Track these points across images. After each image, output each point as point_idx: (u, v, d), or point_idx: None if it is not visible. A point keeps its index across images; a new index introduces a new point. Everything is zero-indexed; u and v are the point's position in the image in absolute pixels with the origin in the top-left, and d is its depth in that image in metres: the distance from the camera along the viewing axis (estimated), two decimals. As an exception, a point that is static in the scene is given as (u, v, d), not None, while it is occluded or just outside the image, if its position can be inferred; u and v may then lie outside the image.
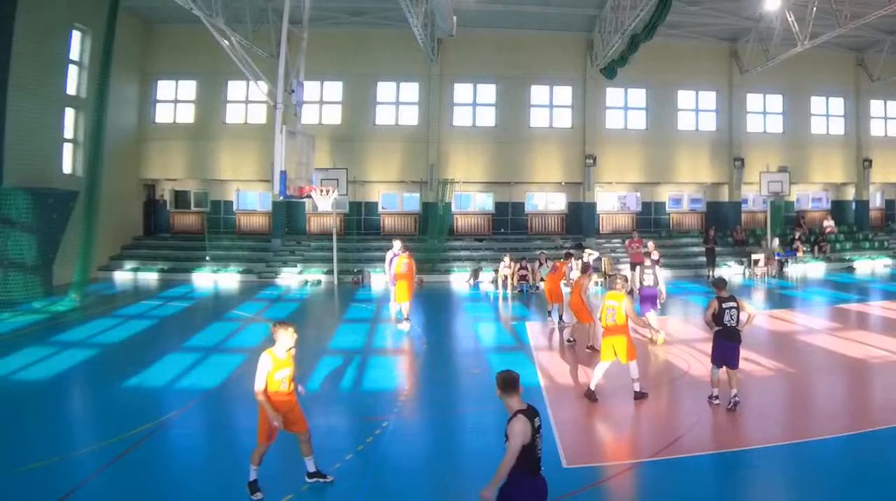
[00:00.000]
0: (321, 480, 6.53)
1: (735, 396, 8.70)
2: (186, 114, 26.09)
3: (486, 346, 13.42)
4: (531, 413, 4.71)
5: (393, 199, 27.79)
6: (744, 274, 24.29)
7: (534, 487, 4.63)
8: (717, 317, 8.78)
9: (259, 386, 6.10)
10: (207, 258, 24.24)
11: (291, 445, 6.62)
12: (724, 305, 8.78)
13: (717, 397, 8.91)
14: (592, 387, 9.30)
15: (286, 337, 6.23)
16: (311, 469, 6.55)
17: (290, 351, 6.31)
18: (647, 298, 12.90)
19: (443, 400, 9.72)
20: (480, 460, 7.39)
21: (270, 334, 6.34)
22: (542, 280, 19.94)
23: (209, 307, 18.98)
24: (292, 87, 14.42)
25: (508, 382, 4.81)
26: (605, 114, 27.17)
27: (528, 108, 26.90)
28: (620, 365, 9.34)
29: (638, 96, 27.46)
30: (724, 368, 8.78)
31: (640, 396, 9.24)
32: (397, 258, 14.52)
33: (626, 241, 22.37)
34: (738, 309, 8.80)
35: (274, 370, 6.15)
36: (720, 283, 9.15)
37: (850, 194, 29.52)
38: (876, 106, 28.80)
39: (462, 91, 26.77)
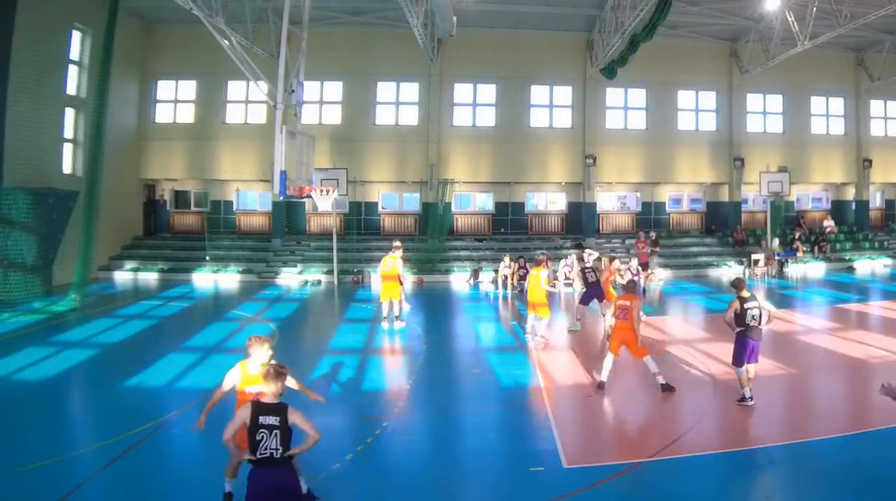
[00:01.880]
0: None
1: (751, 396, 8.81)
2: (186, 114, 26.11)
3: (486, 346, 13.41)
4: (262, 407, 4.93)
5: (393, 199, 27.79)
6: (744, 274, 24.24)
7: (252, 477, 4.88)
8: (739, 318, 8.79)
9: (219, 388, 6.13)
10: (207, 258, 24.24)
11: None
12: (745, 305, 8.76)
13: (751, 398, 8.80)
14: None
15: (261, 352, 6.07)
16: None
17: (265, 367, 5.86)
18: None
19: (443, 400, 9.72)
20: (480, 460, 7.40)
21: (246, 347, 6.21)
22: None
23: (209, 307, 18.98)
24: (292, 87, 14.41)
25: (270, 374, 5.05)
26: (605, 114, 27.18)
27: (528, 108, 26.91)
28: (621, 363, 9.34)
29: (638, 96, 27.46)
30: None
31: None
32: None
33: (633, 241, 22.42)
34: (759, 308, 8.83)
35: (243, 384, 6.06)
36: (739, 284, 9.06)
37: (850, 194, 29.52)
38: (876, 106, 28.81)
39: (462, 91, 26.78)
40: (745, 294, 8.86)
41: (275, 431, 4.86)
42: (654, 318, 15.80)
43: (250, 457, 4.90)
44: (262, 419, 4.89)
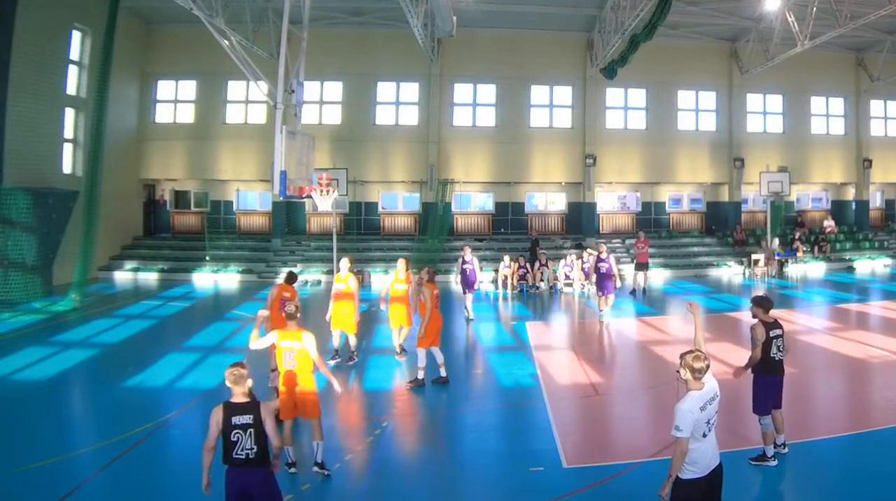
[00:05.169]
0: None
1: (784, 442, 7.13)
2: (186, 114, 26.10)
3: (486, 346, 13.41)
4: (234, 407, 4.92)
5: (393, 199, 27.79)
6: (744, 274, 24.28)
7: (229, 478, 4.88)
8: (762, 351, 6.91)
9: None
10: (207, 258, 24.23)
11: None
12: (771, 333, 6.89)
13: (784, 445, 7.14)
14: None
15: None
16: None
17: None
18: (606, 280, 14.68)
19: (443, 400, 9.72)
20: (480, 460, 7.40)
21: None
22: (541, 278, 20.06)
23: (209, 307, 18.98)
24: (292, 87, 14.41)
25: (233, 376, 5.01)
26: (605, 114, 27.16)
27: (528, 108, 26.90)
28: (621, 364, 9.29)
29: (638, 96, 27.46)
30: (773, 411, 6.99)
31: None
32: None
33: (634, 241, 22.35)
34: (783, 336, 7.03)
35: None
36: (767, 304, 7.02)
37: (850, 194, 29.51)
38: (876, 106, 28.78)
39: (462, 91, 26.77)
40: (770, 318, 6.98)
41: (249, 430, 4.84)
42: (654, 318, 15.80)
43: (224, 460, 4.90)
44: (235, 419, 4.86)
